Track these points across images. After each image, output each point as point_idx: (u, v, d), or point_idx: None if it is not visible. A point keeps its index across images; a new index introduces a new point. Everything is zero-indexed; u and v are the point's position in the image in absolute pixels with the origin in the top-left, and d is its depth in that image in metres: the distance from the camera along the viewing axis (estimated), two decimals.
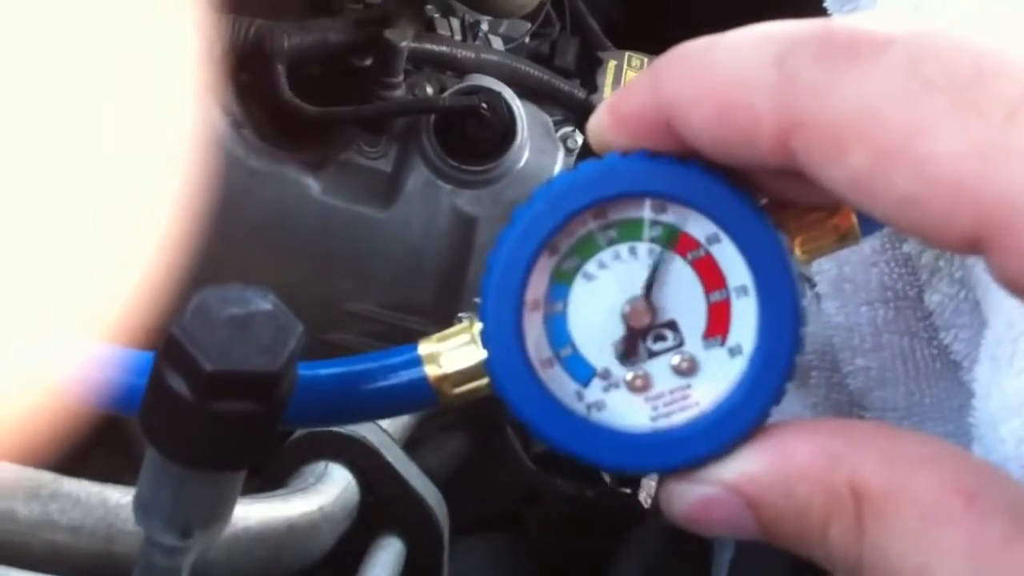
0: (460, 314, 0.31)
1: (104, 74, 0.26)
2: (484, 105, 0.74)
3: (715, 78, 0.26)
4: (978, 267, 0.38)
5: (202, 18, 0.28)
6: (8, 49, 0.23)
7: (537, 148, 0.76)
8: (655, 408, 0.29)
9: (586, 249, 0.29)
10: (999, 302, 0.35)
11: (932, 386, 0.42)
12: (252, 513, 0.50)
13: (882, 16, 0.26)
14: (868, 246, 0.42)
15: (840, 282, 0.43)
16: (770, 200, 0.29)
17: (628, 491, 0.83)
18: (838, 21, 0.26)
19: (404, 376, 0.31)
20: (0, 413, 0.27)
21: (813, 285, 0.44)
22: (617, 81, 0.83)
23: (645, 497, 0.82)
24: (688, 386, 0.29)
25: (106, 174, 0.26)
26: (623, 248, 0.29)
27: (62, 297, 0.27)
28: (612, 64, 0.83)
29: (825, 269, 0.43)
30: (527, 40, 0.89)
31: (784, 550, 0.27)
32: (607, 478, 0.80)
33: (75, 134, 0.25)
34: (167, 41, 0.27)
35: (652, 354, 0.29)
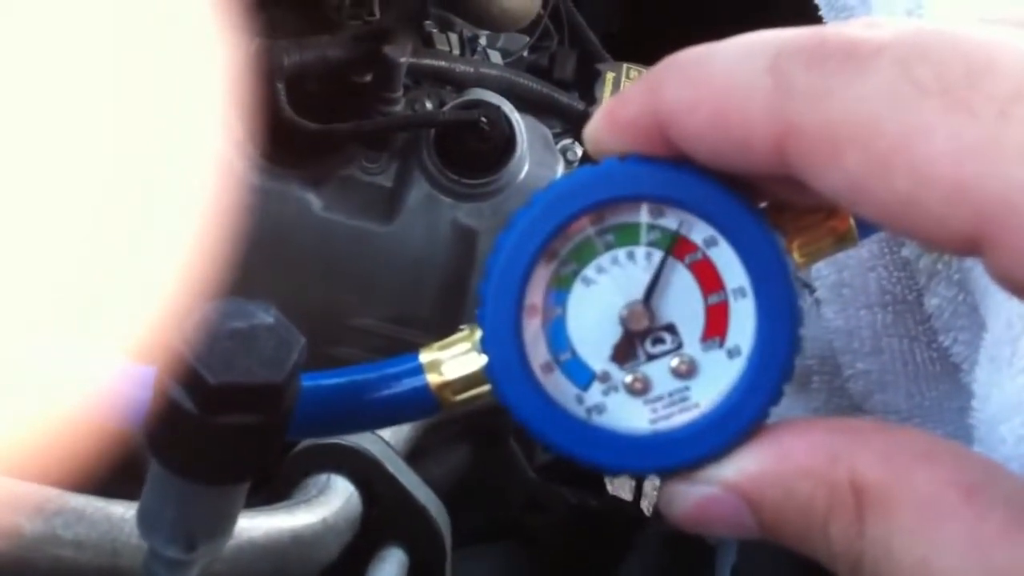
0: (462, 325, 0.31)
1: (120, 84, 0.26)
2: (484, 119, 0.74)
3: (710, 86, 0.26)
4: (976, 270, 0.38)
5: (228, 38, 0.28)
6: (28, 53, 0.24)
7: (537, 160, 0.76)
8: (655, 410, 0.29)
9: (584, 254, 0.29)
10: (997, 304, 0.35)
11: (932, 388, 0.42)
12: (256, 525, 0.50)
13: (875, 21, 0.26)
14: (866, 250, 0.42)
15: (839, 287, 0.43)
16: (767, 203, 0.29)
17: (630, 499, 0.83)
18: (831, 27, 0.26)
19: (406, 384, 0.31)
20: (12, 427, 0.27)
21: (813, 291, 0.44)
22: (616, 93, 0.83)
23: (647, 505, 0.82)
24: (687, 388, 0.29)
25: (120, 189, 0.26)
26: (621, 252, 0.29)
27: (73, 311, 0.27)
28: (611, 76, 0.83)
29: (824, 274, 0.43)
30: (525, 53, 0.89)
31: (786, 555, 0.27)
32: (609, 484, 0.80)
33: (96, 148, 0.26)
34: (192, 60, 0.27)
35: (651, 357, 0.29)
